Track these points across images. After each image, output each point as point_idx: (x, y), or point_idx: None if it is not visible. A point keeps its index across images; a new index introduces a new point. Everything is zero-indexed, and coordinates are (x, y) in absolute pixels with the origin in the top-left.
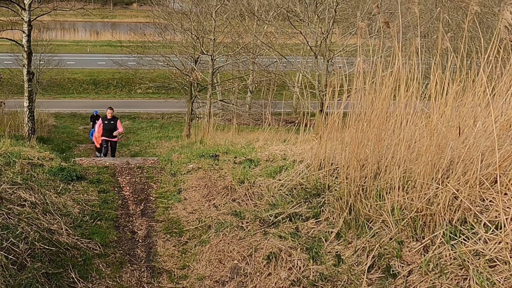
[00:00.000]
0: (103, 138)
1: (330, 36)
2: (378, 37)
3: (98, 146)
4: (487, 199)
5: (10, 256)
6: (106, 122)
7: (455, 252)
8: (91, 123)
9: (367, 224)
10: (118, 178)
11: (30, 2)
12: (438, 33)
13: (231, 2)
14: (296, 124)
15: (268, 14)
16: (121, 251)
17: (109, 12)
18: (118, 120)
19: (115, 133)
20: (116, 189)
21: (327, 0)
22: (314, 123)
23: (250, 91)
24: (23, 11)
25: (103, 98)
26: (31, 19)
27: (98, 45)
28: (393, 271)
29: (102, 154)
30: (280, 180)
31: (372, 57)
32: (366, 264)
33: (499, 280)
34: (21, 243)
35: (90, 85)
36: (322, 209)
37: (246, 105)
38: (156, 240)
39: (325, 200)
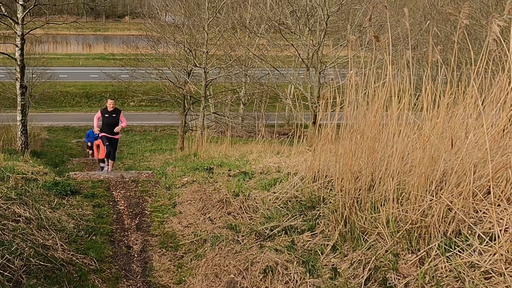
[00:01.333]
0: (103, 134)
1: (321, 48)
2: (369, 49)
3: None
4: (480, 210)
5: (6, 273)
6: (107, 115)
7: (451, 264)
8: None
9: (362, 236)
10: (113, 192)
11: (23, 16)
12: (427, 45)
13: (223, 15)
14: (289, 136)
15: (260, 27)
16: (117, 266)
17: (102, 25)
18: (122, 112)
19: (116, 129)
20: (111, 203)
21: (318, 13)
22: (307, 135)
23: (242, 103)
24: (16, 24)
25: (96, 111)
26: (24, 33)
27: (90, 58)
28: (389, 283)
29: (104, 159)
30: (275, 192)
31: (364, 69)
32: (362, 277)
33: None
34: (16, 260)
35: (83, 98)
36: (317, 222)
37: (239, 117)
38: (152, 254)
39: (320, 212)
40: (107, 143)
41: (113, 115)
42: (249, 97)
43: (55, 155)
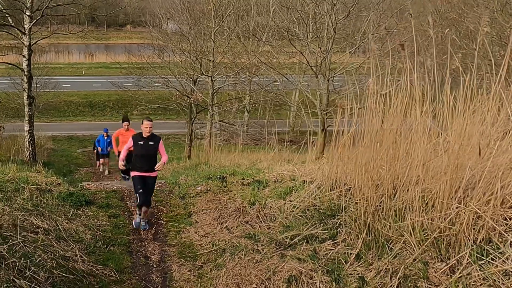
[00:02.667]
0: (136, 173)
1: (329, 55)
2: (386, 56)
3: (122, 167)
4: (510, 218)
5: (33, 285)
6: (141, 143)
7: (484, 272)
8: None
9: (387, 245)
10: (127, 202)
11: (30, 26)
12: (433, 52)
13: (229, 23)
14: (298, 144)
15: (268, 34)
16: (137, 277)
17: (103, 34)
18: (161, 141)
19: (158, 167)
20: (126, 213)
21: (325, 20)
22: (315, 143)
23: (247, 110)
24: (23, 35)
25: (99, 120)
26: (31, 43)
27: (93, 67)
28: None
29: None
30: (291, 201)
31: (378, 76)
32: (391, 286)
33: None
34: (41, 272)
35: (86, 107)
36: (339, 230)
37: (244, 125)
38: (171, 265)
39: (340, 221)
40: (140, 186)
41: (150, 143)
42: (254, 105)
43: (62, 165)
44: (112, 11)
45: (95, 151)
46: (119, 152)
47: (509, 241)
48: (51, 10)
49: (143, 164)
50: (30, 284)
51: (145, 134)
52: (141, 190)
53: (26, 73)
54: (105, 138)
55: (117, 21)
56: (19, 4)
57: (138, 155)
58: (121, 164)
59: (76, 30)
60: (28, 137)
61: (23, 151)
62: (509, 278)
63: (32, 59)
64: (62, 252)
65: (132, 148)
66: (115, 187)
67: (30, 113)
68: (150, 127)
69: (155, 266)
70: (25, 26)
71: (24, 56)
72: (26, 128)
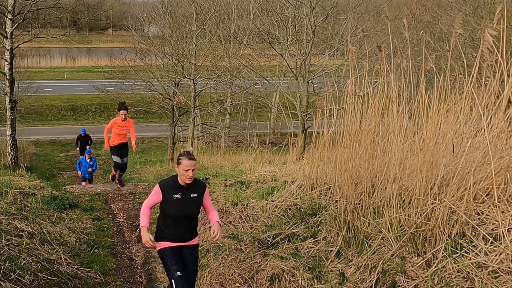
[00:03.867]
0: (168, 245)
1: (309, 57)
2: (364, 58)
3: (150, 243)
4: (482, 212)
5: None
6: (178, 196)
7: (458, 265)
8: (78, 147)
9: (366, 241)
10: (111, 205)
11: (11, 30)
12: (409, 53)
13: (211, 26)
14: (281, 145)
15: (249, 37)
16: (121, 279)
17: (85, 37)
18: (207, 190)
19: (216, 234)
20: (110, 216)
21: (305, 23)
22: (296, 144)
23: (229, 113)
24: (4, 39)
25: (81, 124)
26: (13, 47)
27: (75, 71)
28: (398, 286)
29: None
30: (273, 201)
31: (357, 77)
32: (370, 281)
33: None
34: (26, 275)
35: (68, 111)
36: (319, 228)
37: (226, 127)
38: (155, 266)
39: (321, 219)
40: (180, 270)
41: (193, 195)
42: (236, 107)
43: (45, 169)
44: (94, 14)
45: (77, 148)
46: (111, 148)
47: (481, 235)
48: (33, 14)
49: (180, 231)
50: (15, 286)
51: (185, 181)
52: (179, 273)
53: (8, 77)
54: (88, 161)
55: (99, 24)
56: (0, 8)
57: (172, 217)
58: (148, 239)
59: (58, 33)
60: (10, 141)
61: (5, 155)
62: (481, 270)
63: (14, 63)
64: (46, 255)
65: (156, 203)
66: (98, 190)
67: (12, 117)
68: (193, 169)
69: (139, 267)
70: (6, 29)
71: (6, 60)
72: (8, 132)
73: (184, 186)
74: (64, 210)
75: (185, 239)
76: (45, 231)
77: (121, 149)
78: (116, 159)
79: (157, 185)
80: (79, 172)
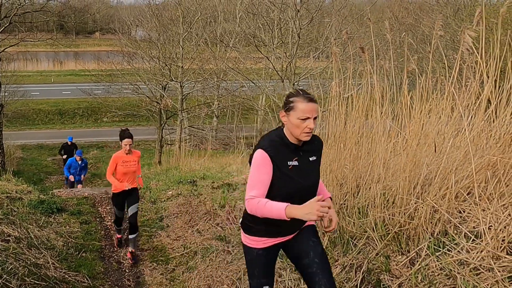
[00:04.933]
0: (267, 242)
1: (294, 60)
2: (348, 60)
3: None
4: (464, 210)
5: None
6: (294, 163)
7: (441, 263)
8: (63, 157)
9: (352, 241)
10: (99, 208)
11: None
12: (392, 55)
13: (198, 29)
14: None
15: (235, 40)
16: (109, 282)
17: (72, 41)
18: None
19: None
20: (97, 219)
21: (290, 26)
22: None
23: (216, 116)
24: None
25: (69, 128)
26: None
27: (62, 74)
28: (383, 285)
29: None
30: None
31: (341, 79)
32: (356, 280)
33: (485, 287)
34: (13, 279)
35: (55, 115)
36: None
37: (213, 130)
38: (143, 269)
39: None
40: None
41: (312, 158)
42: (222, 110)
43: (32, 174)
44: (80, 18)
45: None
46: (114, 197)
47: (463, 233)
48: (19, 17)
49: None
50: None
51: (301, 137)
52: None
53: None
54: (79, 162)
55: (86, 28)
56: None
57: (284, 196)
58: (318, 206)
59: (45, 37)
60: None
61: None
62: (463, 267)
63: (0, 67)
64: (34, 260)
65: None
66: (86, 194)
67: None
68: (315, 118)
69: (127, 271)
70: None
71: None
72: None
73: (299, 146)
74: (52, 214)
75: (295, 229)
76: (32, 236)
77: (129, 196)
78: (120, 213)
79: (261, 152)
80: (71, 176)
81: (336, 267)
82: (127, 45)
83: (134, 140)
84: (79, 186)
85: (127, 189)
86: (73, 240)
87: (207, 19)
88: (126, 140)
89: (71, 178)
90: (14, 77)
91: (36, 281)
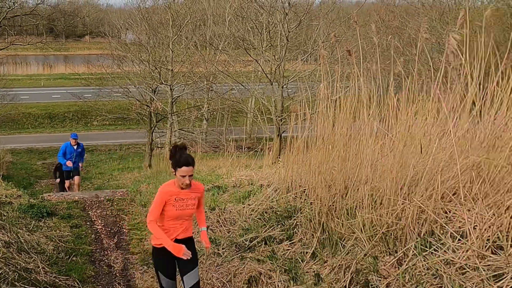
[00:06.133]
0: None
1: (283, 63)
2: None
3: None
4: (450, 211)
5: None
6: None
7: (428, 262)
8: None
9: (340, 242)
10: (89, 212)
11: None
12: (378, 58)
13: (187, 32)
14: (255, 150)
15: (224, 43)
16: (100, 286)
17: (62, 45)
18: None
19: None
20: (88, 223)
21: (278, 29)
22: (271, 148)
23: (206, 118)
24: None
25: (59, 131)
26: None
27: (52, 78)
28: (371, 285)
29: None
30: (250, 205)
31: (329, 82)
32: (345, 281)
33: (471, 285)
34: (3, 284)
35: (45, 119)
36: (295, 231)
37: (203, 133)
38: (134, 272)
39: (297, 221)
40: None
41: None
42: (212, 113)
43: (22, 178)
44: (70, 21)
45: (57, 179)
46: (157, 254)
47: (449, 233)
48: (8, 21)
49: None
50: None
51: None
52: None
53: None
54: (74, 147)
55: (75, 31)
56: None
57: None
58: None
59: (35, 41)
60: None
61: None
62: (450, 267)
63: None
64: (24, 264)
65: None
66: (76, 198)
67: None
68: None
69: (118, 274)
70: None
71: None
72: None
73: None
74: (42, 218)
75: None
76: (22, 240)
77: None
78: (169, 284)
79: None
80: (68, 162)
81: (325, 268)
82: (117, 48)
83: (125, 144)
84: (76, 178)
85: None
86: (63, 244)
87: (197, 22)
88: (184, 168)
89: (69, 163)
90: (3, 81)
91: (26, 286)
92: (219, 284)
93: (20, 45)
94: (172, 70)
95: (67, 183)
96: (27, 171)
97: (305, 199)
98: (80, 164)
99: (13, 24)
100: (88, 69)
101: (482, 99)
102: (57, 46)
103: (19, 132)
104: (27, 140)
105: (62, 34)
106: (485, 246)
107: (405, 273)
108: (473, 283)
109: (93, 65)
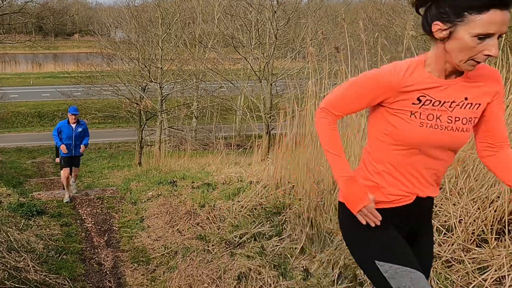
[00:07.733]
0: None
1: (272, 60)
2: (325, 60)
3: None
4: (436, 205)
5: None
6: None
7: None
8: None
9: (329, 237)
10: (79, 210)
11: None
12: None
13: (176, 31)
14: (246, 147)
15: (213, 41)
16: (90, 284)
17: (51, 43)
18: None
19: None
20: (78, 221)
21: (267, 27)
22: (260, 145)
23: (195, 116)
24: None
25: (49, 130)
26: None
27: (41, 77)
28: (359, 279)
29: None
30: (239, 201)
31: (317, 79)
32: (333, 275)
33: (456, 278)
34: None
35: (35, 118)
36: (284, 227)
37: (192, 131)
38: (124, 270)
39: (285, 217)
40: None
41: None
42: (201, 111)
43: (11, 177)
44: (59, 20)
45: (57, 158)
46: None
47: (435, 226)
48: None
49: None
50: None
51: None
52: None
53: None
54: (72, 125)
55: (64, 30)
56: None
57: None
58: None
59: (24, 39)
60: None
61: None
62: (436, 260)
63: None
64: (13, 263)
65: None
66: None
67: None
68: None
69: (108, 272)
70: None
71: None
72: None
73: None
74: (32, 217)
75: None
76: (12, 239)
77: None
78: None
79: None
80: (63, 146)
81: (314, 263)
82: (106, 46)
83: (114, 142)
84: (74, 170)
85: None
86: (54, 243)
87: (186, 21)
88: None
89: (63, 148)
90: None
91: (16, 285)
92: (209, 281)
93: (9, 43)
94: (161, 68)
95: (65, 171)
96: (17, 170)
97: (294, 195)
98: (82, 147)
99: (2, 22)
100: (77, 68)
101: None
102: (46, 44)
103: (8, 131)
104: (16, 139)
105: (51, 32)
106: (470, 240)
107: None
108: (458, 276)
109: (83, 64)
